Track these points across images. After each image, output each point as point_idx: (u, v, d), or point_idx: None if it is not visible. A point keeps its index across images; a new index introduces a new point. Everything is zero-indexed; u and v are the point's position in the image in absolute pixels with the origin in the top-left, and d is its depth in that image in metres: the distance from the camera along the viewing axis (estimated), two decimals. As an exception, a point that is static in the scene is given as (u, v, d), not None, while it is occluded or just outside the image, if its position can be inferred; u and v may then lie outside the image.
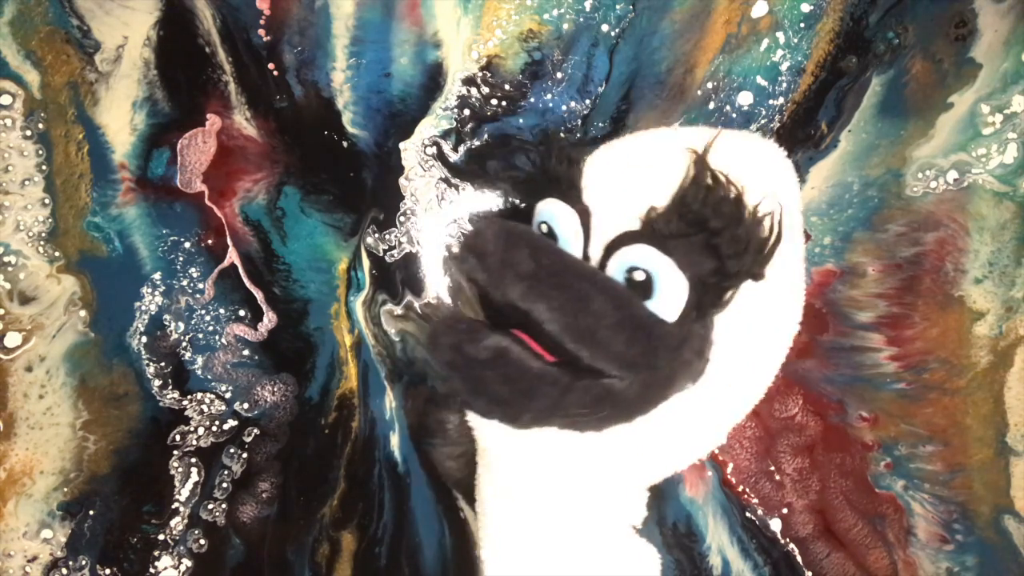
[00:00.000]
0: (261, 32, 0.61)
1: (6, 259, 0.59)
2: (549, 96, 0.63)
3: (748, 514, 0.65)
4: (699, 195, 0.37)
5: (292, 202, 0.64)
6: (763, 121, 0.62)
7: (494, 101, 0.63)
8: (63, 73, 0.60)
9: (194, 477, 0.62)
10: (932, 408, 0.63)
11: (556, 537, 0.42)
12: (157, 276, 0.62)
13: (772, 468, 0.65)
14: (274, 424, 0.64)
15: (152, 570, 0.62)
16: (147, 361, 0.62)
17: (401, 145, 0.63)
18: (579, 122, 0.63)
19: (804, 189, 0.63)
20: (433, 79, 0.62)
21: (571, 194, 0.41)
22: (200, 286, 0.63)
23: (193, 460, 0.63)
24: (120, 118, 0.61)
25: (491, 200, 0.64)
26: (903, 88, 0.61)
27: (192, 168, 0.62)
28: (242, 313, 0.63)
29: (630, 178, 0.40)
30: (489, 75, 0.62)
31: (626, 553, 0.44)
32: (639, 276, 0.37)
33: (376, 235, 0.64)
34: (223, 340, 0.63)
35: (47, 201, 0.60)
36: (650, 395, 0.38)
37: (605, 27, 0.61)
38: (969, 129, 0.61)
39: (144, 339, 0.62)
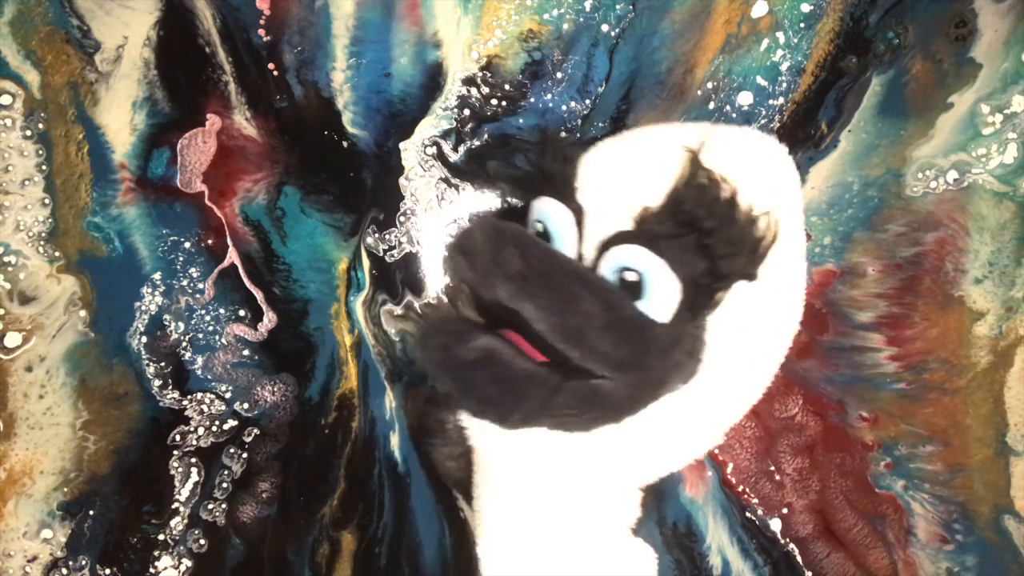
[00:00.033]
0: (261, 32, 0.61)
1: (6, 259, 0.59)
2: (549, 96, 0.63)
3: (748, 514, 0.65)
4: (692, 195, 0.36)
5: (292, 202, 0.64)
6: (763, 121, 0.62)
7: (494, 101, 0.63)
8: (63, 73, 0.60)
9: (194, 477, 0.62)
10: (932, 408, 0.63)
11: (551, 537, 0.42)
12: (157, 276, 0.62)
13: (772, 468, 0.65)
14: (274, 424, 0.64)
15: (152, 570, 0.62)
16: (147, 361, 0.62)
17: (401, 145, 0.63)
18: (579, 122, 0.63)
19: (804, 189, 0.63)
20: (433, 79, 0.62)
21: (566, 192, 0.41)
22: (200, 286, 0.63)
23: (193, 460, 0.63)
24: (120, 118, 0.61)
25: (491, 200, 0.64)
26: (903, 88, 0.61)
27: (192, 168, 0.62)
28: (242, 313, 0.63)
29: (624, 177, 0.40)
30: (489, 75, 0.62)
31: (622, 552, 0.44)
32: (631, 276, 0.37)
33: (376, 235, 0.64)
34: (223, 340, 0.63)
35: (47, 201, 0.60)
36: (640, 396, 0.38)
37: (605, 27, 0.61)
38: (969, 129, 0.61)
39: (144, 339, 0.62)
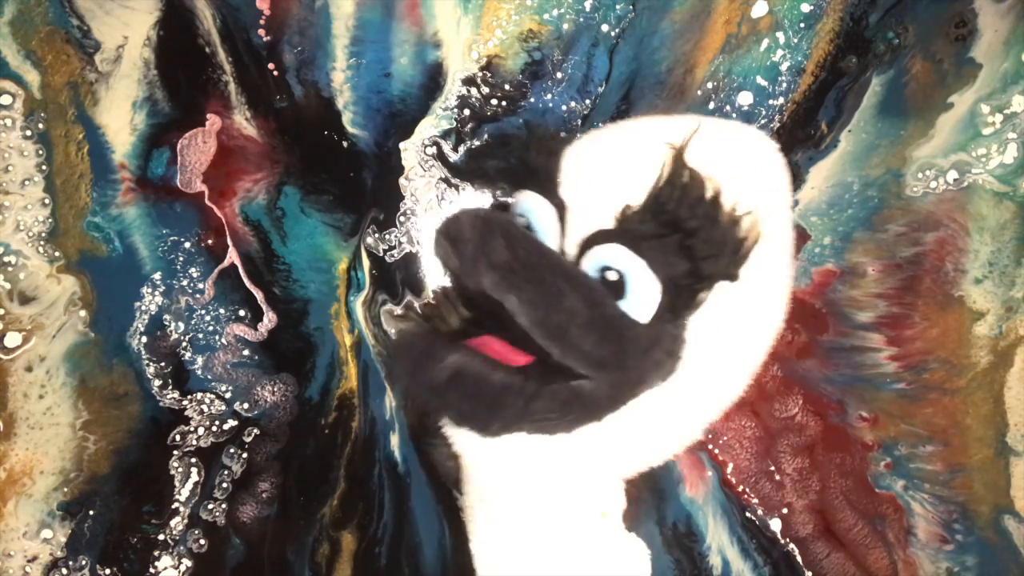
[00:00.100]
0: (261, 32, 0.61)
1: (6, 259, 0.59)
2: (549, 96, 0.63)
3: (748, 514, 0.65)
4: (675, 195, 0.36)
5: (292, 202, 0.64)
6: (763, 121, 0.62)
7: (494, 101, 0.63)
8: (63, 73, 0.60)
9: (194, 477, 0.62)
10: (932, 408, 0.63)
11: (540, 533, 0.42)
12: (157, 276, 0.62)
13: (772, 468, 0.65)
14: (274, 424, 0.64)
15: (152, 570, 0.62)
16: (147, 361, 0.62)
17: (401, 145, 0.63)
18: (579, 122, 0.63)
19: (804, 189, 0.63)
20: (433, 79, 0.62)
21: (548, 187, 0.40)
22: (200, 286, 0.63)
23: (193, 460, 0.63)
24: (120, 118, 0.61)
25: (489, 199, 0.64)
26: (903, 88, 0.61)
27: (192, 168, 0.62)
28: (242, 313, 0.63)
29: (607, 173, 0.39)
30: (489, 75, 0.62)
31: (614, 547, 0.44)
32: (612, 276, 0.37)
33: (376, 235, 0.64)
34: (223, 340, 0.63)
35: (47, 201, 0.60)
36: (619, 395, 0.38)
37: (605, 27, 0.61)
38: (969, 129, 0.61)
39: (144, 339, 0.62)
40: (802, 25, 0.60)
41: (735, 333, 0.40)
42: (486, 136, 0.63)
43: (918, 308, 0.62)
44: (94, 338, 0.61)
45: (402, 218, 0.64)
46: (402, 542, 0.65)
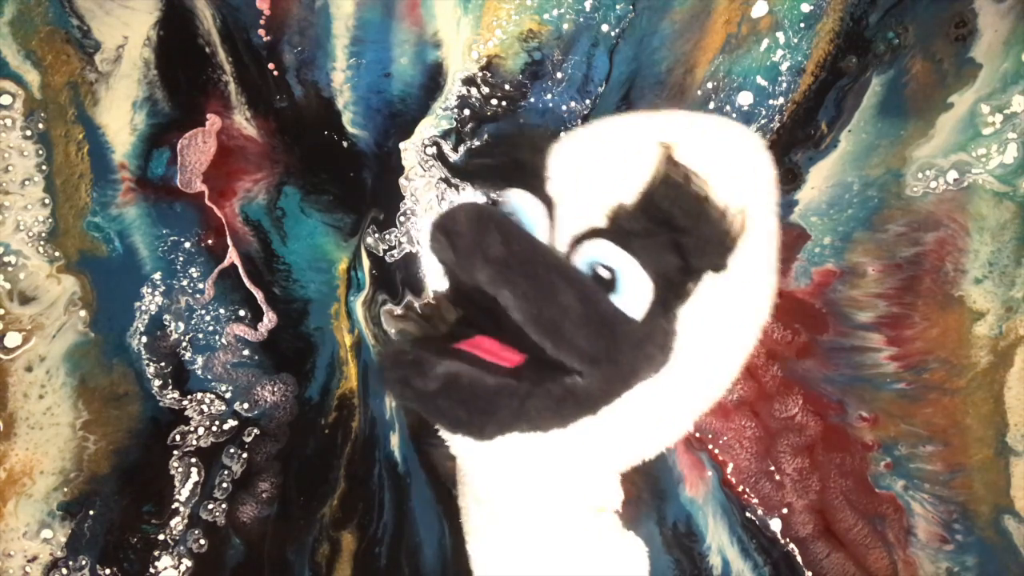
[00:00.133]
0: (261, 32, 0.61)
1: (6, 259, 0.59)
2: (549, 96, 0.63)
3: (748, 514, 0.65)
4: (667, 194, 0.36)
5: (292, 202, 0.64)
6: (763, 121, 0.62)
7: (494, 101, 0.63)
8: (63, 73, 0.60)
9: (194, 477, 0.62)
10: (932, 408, 0.63)
11: (537, 531, 0.42)
12: (157, 276, 0.62)
13: (772, 468, 0.65)
14: (274, 424, 0.64)
15: (152, 570, 0.62)
16: (147, 361, 0.62)
17: (401, 145, 0.63)
18: (579, 122, 0.63)
19: (804, 189, 0.63)
20: (433, 79, 0.62)
21: (536, 184, 0.41)
22: (200, 286, 0.63)
23: (193, 460, 0.63)
24: (120, 118, 0.61)
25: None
26: (903, 88, 0.61)
27: (192, 168, 0.62)
28: (242, 313, 0.63)
29: (597, 170, 0.39)
30: (489, 75, 0.62)
31: (612, 545, 0.44)
32: (604, 273, 0.37)
33: (376, 235, 0.64)
34: (223, 340, 0.63)
35: (47, 201, 0.60)
36: (613, 389, 0.38)
37: (605, 27, 0.61)
38: (969, 129, 0.61)
39: (144, 339, 0.62)
40: (802, 25, 0.60)
41: (724, 325, 0.41)
42: (486, 136, 0.63)
43: (918, 308, 0.62)
44: (94, 338, 0.61)
45: (402, 218, 0.64)
46: (402, 542, 0.65)
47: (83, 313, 0.61)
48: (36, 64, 0.59)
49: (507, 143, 0.44)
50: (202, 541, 0.63)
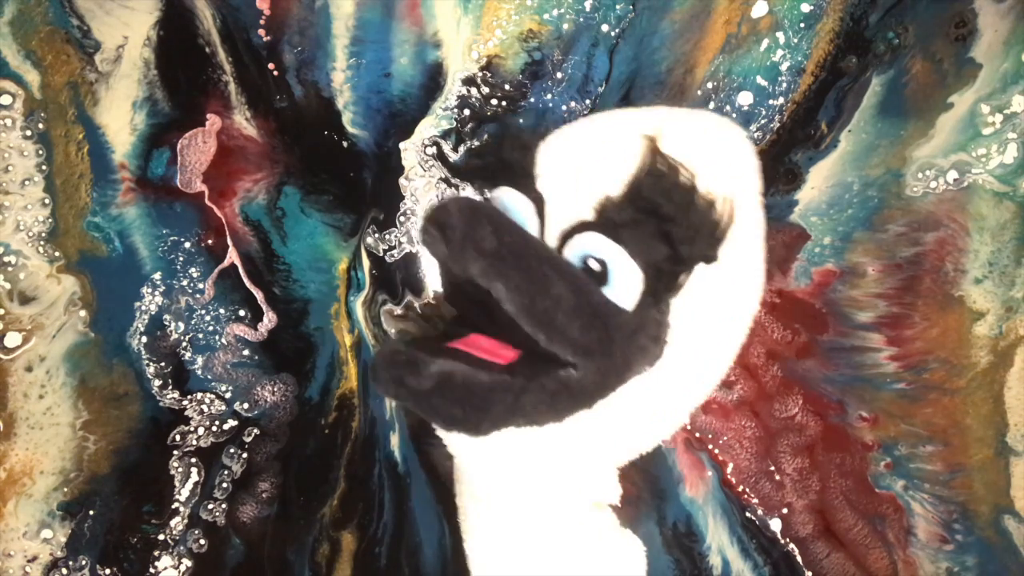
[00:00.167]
0: (261, 32, 0.61)
1: (6, 259, 0.59)
2: (549, 96, 0.63)
3: (748, 514, 0.65)
4: (652, 183, 0.37)
5: (292, 202, 0.64)
6: (763, 121, 0.62)
7: (494, 101, 0.63)
8: (63, 73, 0.60)
9: (194, 477, 0.62)
10: (932, 408, 0.63)
11: (533, 528, 0.42)
12: (157, 276, 0.62)
13: (772, 468, 0.65)
14: (274, 424, 0.64)
15: (152, 570, 0.62)
16: (147, 361, 0.62)
17: (401, 145, 0.63)
18: (579, 122, 0.63)
19: (804, 189, 0.63)
20: (433, 79, 0.62)
21: (524, 182, 0.41)
22: (200, 286, 0.63)
23: (193, 460, 0.63)
24: (120, 118, 0.61)
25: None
26: (903, 88, 0.61)
27: (192, 168, 0.62)
28: (242, 313, 0.63)
29: (584, 165, 0.40)
30: (489, 75, 0.62)
31: (609, 541, 0.44)
32: (594, 265, 0.37)
33: (376, 235, 0.64)
34: (223, 340, 0.63)
35: (47, 201, 0.60)
36: (607, 382, 0.38)
37: (605, 27, 0.61)
38: (969, 129, 0.61)
39: (144, 339, 0.62)
40: (802, 25, 0.60)
41: (715, 317, 0.41)
42: (486, 136, 0.63)
43: (918, 308, 0.62)
44: (94, 338, 0.61)
45: (402, 218, 0.64)
46: (402, 542, 0.65)
47: (83, 313, 0.61)
48: (36, 64, 0.59)
49: (496, 143, 0.44)
50: (202, 541, 0.63)
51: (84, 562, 0.61)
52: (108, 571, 0.61)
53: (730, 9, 0.60)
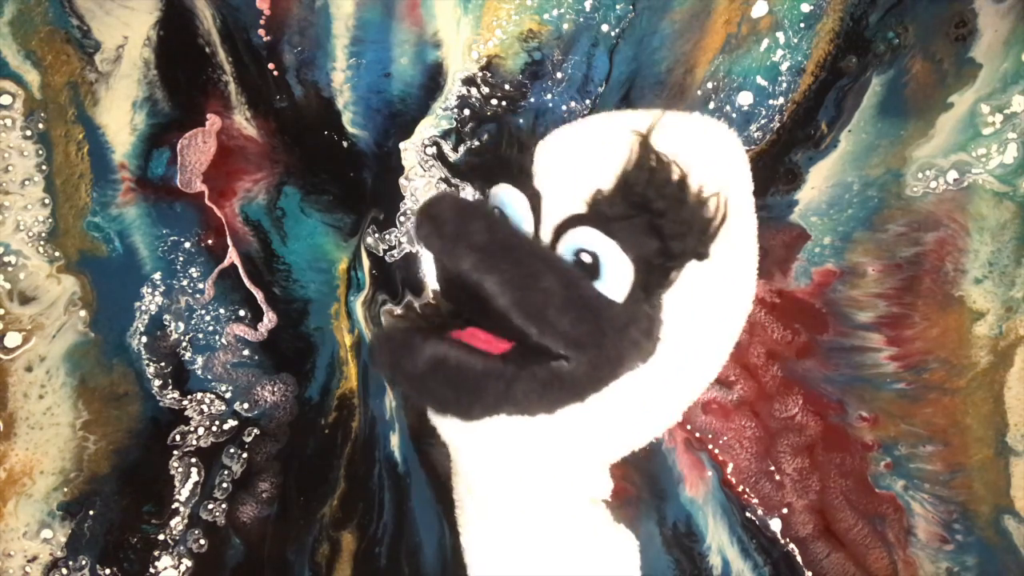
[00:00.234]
0: (261, 32, 0.61)
1: (6, 259, 0.59)
2: (549, 96, 0.63)
3: (748, 514, 0.65)
4: (642, 178, 0.37)
5: (292, 202, 0.64)
6: (763, 121, 0.62)
7: (494, 101, 0.63)
8: (63, 73, 0.60)
9: (194, 477, 0.62)
10: (932, 408, 0.63)
11: (528, 522, 0.42)
12: (157, 276, 0.62)
13: (772, 468, 0.65)
14: (274, 424, 0.64)
15: (152, 570, 0.62)
16: (147, 361, 0.62)
17: (401, 145, 0.63)
18: (579, 122, 0.63)
19: (804, 189, 0.63)
20: (433, 79, 0.62)
21: (522, 179, 0.42)
22: (200, 286, 0.63)
23: (193, 460, 0.63)
24: (120, 118, 0.61)
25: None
26: (903, 88, 0.61)
27: (192, 168, 0.62)
28: (242, 313, 0.63)
29: (577, 162, 0.41)
30: (489, 75, 0.62)
31: (603, 536, 0.44)
32: (586, 258, 0.38)
33: (376, 235, 0.64)
34: (223, 340, 0.63)
35: (47, 201, 0.60)
36: (599, 376, 0.38)
37: (605, 27, 0.61)
38: (969, 129, 0.61)
39: (144, 339, 0.62)
40: (802, 25, 0.60)
41: (708, 314, 0.41)
42: (486, 136, 0.63)
43: (918, 308, 0.62)
44: (94, 338, 0.61)
45: (402, 218, 0.64)
46: (402, 542, 0.65)
47: (83, 313, 0.61)
48: (36, 64, 0.59)
49: (494, 142, 0.45)
50: (202, 541, 0.63)
51: (84, 562, 0.61)
52: (108, 571, 0.61)
53: (730, 9, 0.60)
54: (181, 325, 0.63)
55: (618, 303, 0.38)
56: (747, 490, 0.66)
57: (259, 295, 0.63)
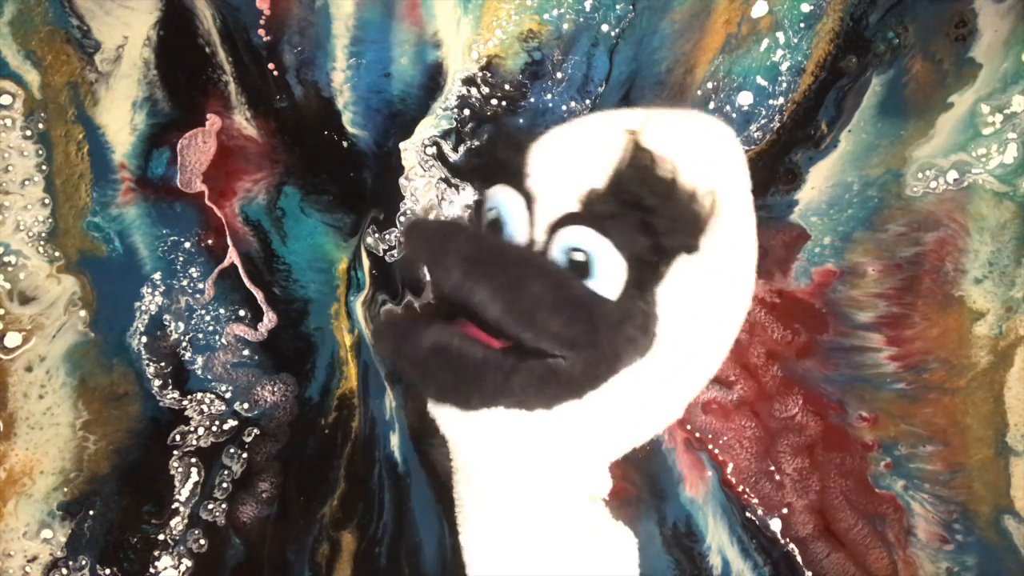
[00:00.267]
0: (261, 32, 0.61)
1: (6, 259, 0.59)
2: (549, 96, 0.63)
3: (748, 514, 0.65)
4: (633, 175, 0.38)
5: (292, 202, 0.64)
6: (763, 121, 0.62)
7: (494, 101, 0.63)
8: (63, 73, 0.60)
9: (194, 477, 0.62)
10: (932, 408, 0.63)
11: (526, 519, 0.42)
12: (157, 276, 0.62)
13: (772, 468, 0.65)
14: (274, 424, 0.64)
15: (152, 570, 0.62)
16: (147, 361, 0.62)
17: (401, 145, 0.63)
18: (579, 122, 0.63)
19: (804, 189, 0.63)
20: (433, 79, 0.62)
21: (518, 180, 0.42)
22: (200, 286, 0.63)
23: (193, 460, 0.63)
24: (120, 118, 0.61)
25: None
26: (903, 88, 0.61)
27: (192, 168, 0.62)
28: (242, 313, 0.63)
29: (571, 161, 0.41)
30: (489, 75, 0.62)
31: (601, 534, 0.44)
32: (579, 257, 0.38)
33: (376, 235, 0.64)
34: (223, 340, 0.63)
35: (47, 201, 0.60)
36: (596, 372, 0.39)
37: (605, 27, 0.61)
38: (969, 129, 0.61)
39: (144, 339, 0.62)
40: (802, 25, 0.60)
41: (707, 309, 0.41)
42: (486, 136, 0.63)
43: (918, 308, 0.62)
44: (94, 338, 0.61)
45: (402, 218, 0.64)
46: (402, 542, 0.65)
47: (83, 313, 0.61)
48: (36, 64, 0.59)
49: (490, 144, 0.45)
50: (202, 541, 0.63)
51: (84, 562, 0.61)
52: (108, 571, 0.61)
53: (730, 9, 0.60)
54: (181, 325, 0.63)
55: (612, 301, 0.38)
56: (747, 490, 0.66)
57: (259, 295, 0.63)
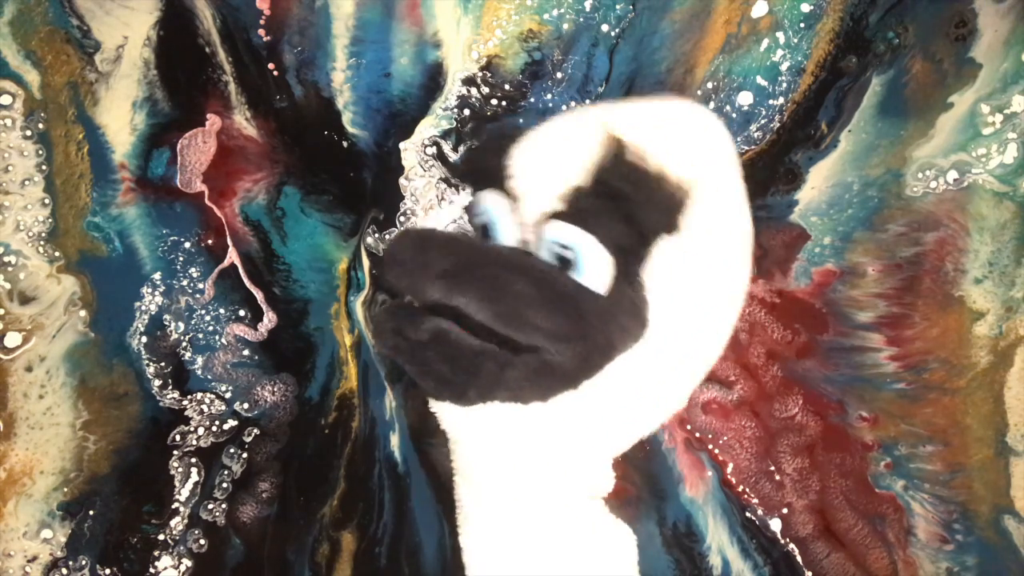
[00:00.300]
0: (261, 32, 0.61)
1: (6, 259, 0.59)
2: (549, 96, 0.63)
3: (748, 514, 0.65)
4: (611, 168, 0.38)
5: (292, 202, 0.64)
6: (763, 121, 0.62)
7: (494, 101, 0.63)
8: (63, 73, 0.60)
9: (194, 477, 0.62)
10: (932, 408, 0.63)
11: (527, 517, 0.42)
12: (157, 276, 0.62)
13: (772, 468, 0.65)
14: (274, 424, 0.64)
15: (152, 570, 0.62)
16: (147, 361, 0.62)
17: (401, 145, 0.63)
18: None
19: (804, 189, 0.63)
20: (433, 79, 0.62)
21: (502, 182, 0.42)
22: (200, 286, 0.63)
23: (193, 460, 0.63)
24: (120, 118, 0.61)
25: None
26: (903, 88, 0.61)
27: (192, 168, 0.62)
28: (242, 313, 0.63)
29: (552, 160, 0.41)
30: (489, 75, 0.62)
31: (601, 531, 0.44)
32: (568, 254, 0.38)
33: (376, 235, 0.64)
34: (223, 340, 0.63)
35: (47, 201, 0.60)
36: (590, 363, 0.39)
37: (605, 27, 0.61)
38: (969, 129, 0.61)
39: (144, 339, 0.62)
40: (802, 25, 0.60)
41: (698, 291, 0.41)
42: (486, 136, 0.63)
43: (918, 308, 0.62)
44: (94, 338, 0.61)
45: (402, 218, 0.64)
46: (402, 542, 0.65)
47: (83, 313, 0.61)
48: (36, 64, 0.59)
49: (477, 148, 0.45)
50: (202, 541, 0.63)
51: (84, 562, 0.61)
52: (108, 571, 0.61)
53: (730, 9, 0.60)
54: (181, 325, 0.63)
55: (599, 292, 0.38)
56: (747, 490, 0.66)
57: (259, 295, 0.63)
